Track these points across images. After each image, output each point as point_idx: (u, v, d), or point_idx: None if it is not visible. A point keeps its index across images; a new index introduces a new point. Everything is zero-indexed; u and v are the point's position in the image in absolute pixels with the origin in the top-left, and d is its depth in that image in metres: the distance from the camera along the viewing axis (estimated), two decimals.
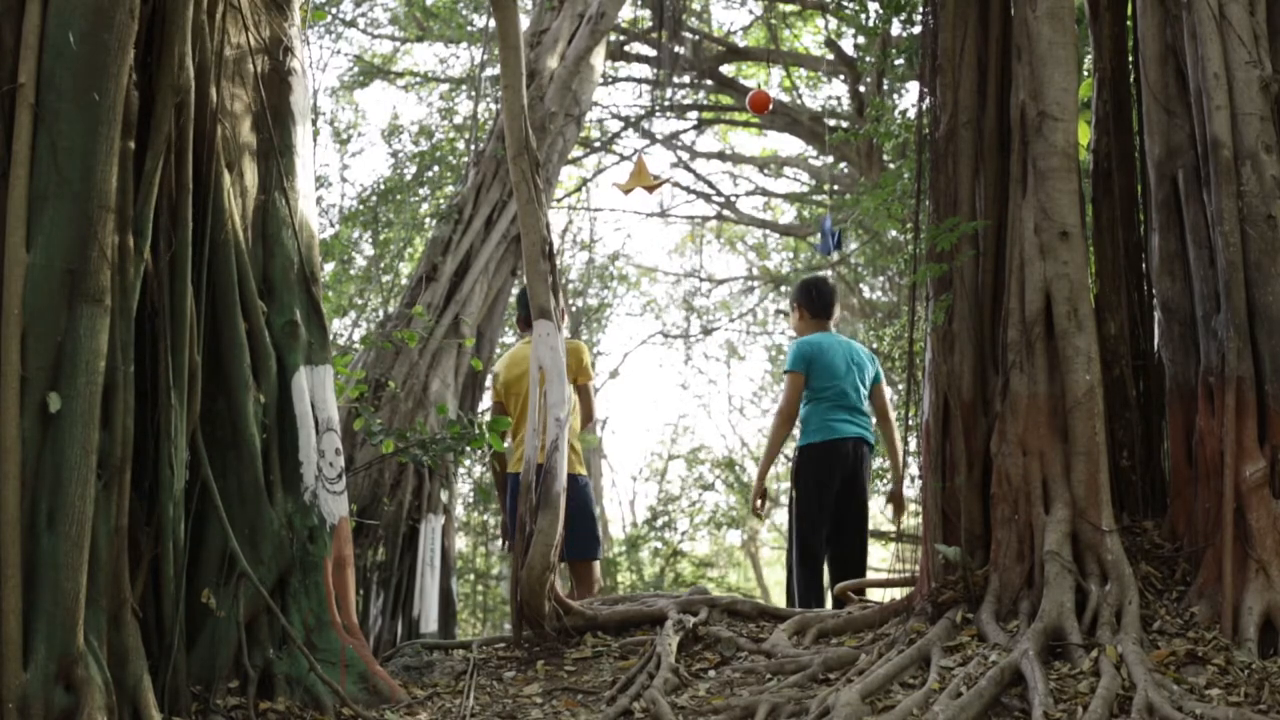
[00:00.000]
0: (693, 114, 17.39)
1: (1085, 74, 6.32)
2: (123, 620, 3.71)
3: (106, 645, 3.61)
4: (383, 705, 4.36)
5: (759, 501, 7.19)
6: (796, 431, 7.04)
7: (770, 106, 10.05)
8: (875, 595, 6.31)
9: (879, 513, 12.00)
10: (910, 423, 5.79)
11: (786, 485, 11.46)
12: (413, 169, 14.82)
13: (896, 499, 6.95)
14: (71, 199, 3.68)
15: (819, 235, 6.97)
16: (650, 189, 8.79)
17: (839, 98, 16.48)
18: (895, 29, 10.49)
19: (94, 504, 3.55)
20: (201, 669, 4.12)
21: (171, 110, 4.12)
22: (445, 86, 16.55)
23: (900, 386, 10.41)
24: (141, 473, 3.99)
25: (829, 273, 14.16)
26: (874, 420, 6.94)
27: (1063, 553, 4.26)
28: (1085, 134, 5.64)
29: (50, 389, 3.54)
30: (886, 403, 7.09)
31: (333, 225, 14.49)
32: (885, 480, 9.63)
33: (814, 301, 7.01)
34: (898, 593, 5.52)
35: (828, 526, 6.66)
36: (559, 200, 16.86)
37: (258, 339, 4.50)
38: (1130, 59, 5.24)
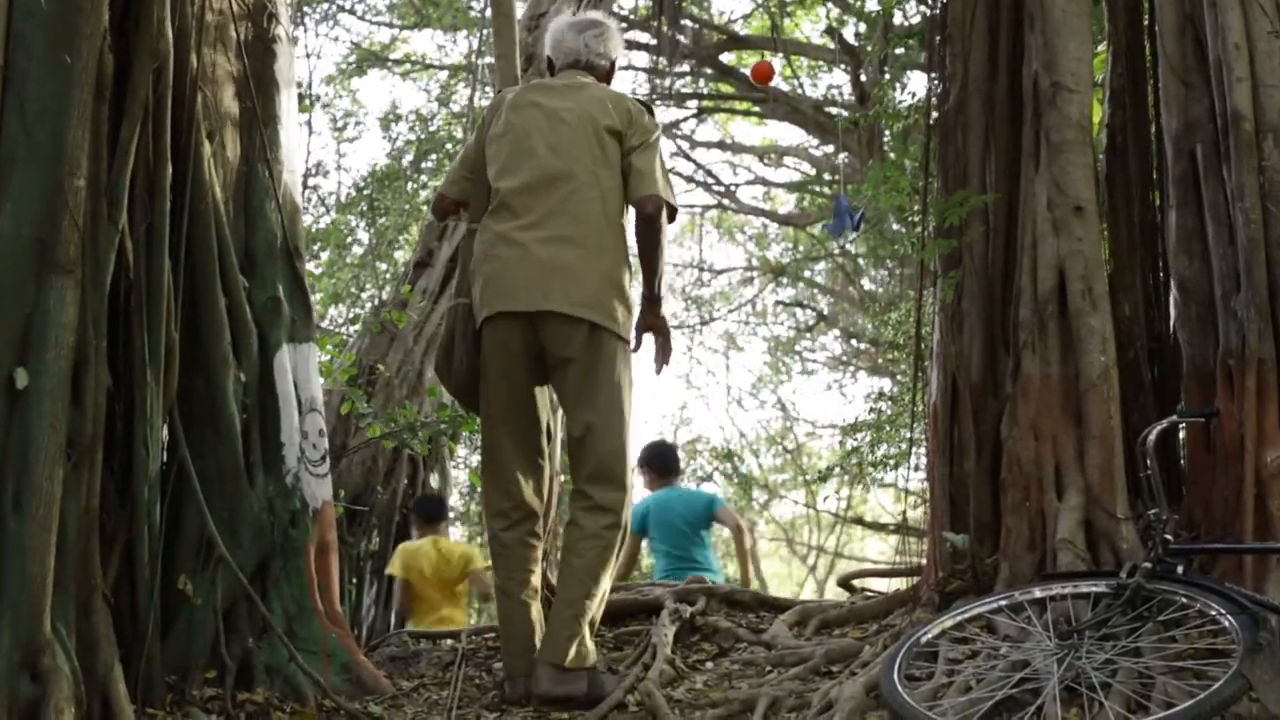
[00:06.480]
0: (692, 103, 17.27)
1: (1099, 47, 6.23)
2: (93, 607, 3.56)
3: (75, 633, 3.45)
4: (366, 697, 4.23)
5: None
6: None
7: (774, 78, 9.92)
8: (879, 585, 6.20)
9: (878, 504, 11.92)
10: (917, 406, 5.71)
11: None
12: (410, 156, 14.72)
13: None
14: (41, 164, 3.51)
15: (834, 215, 6.71)
16: None
17: (839, 87, 16.38)
18: (897, 18, 10.55)
19: (63, 485, 3.40)
20: (177, 658, 3.97)
21: (149, 75, 3.97)
22: (444, 74, 16.44)
23: (906, 369, 10.31)
24: (114, 453, 3.84)
25: (827, 265, 13.99)
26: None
27: (1076, 541, 4.17)
28: (1098, 110, 5.55)
29: (17, 364, 3.39)
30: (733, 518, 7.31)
31: (329, 212, 14.39)
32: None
33: (658, 462, 7.16)
34: (903, 583, 5.43)
35: None
36: None
37: (238, 315, 4.36)
38: (1146, 30, 5.14)
